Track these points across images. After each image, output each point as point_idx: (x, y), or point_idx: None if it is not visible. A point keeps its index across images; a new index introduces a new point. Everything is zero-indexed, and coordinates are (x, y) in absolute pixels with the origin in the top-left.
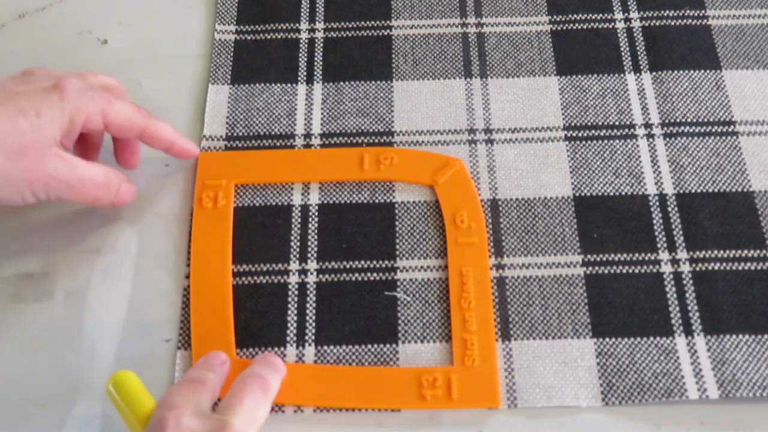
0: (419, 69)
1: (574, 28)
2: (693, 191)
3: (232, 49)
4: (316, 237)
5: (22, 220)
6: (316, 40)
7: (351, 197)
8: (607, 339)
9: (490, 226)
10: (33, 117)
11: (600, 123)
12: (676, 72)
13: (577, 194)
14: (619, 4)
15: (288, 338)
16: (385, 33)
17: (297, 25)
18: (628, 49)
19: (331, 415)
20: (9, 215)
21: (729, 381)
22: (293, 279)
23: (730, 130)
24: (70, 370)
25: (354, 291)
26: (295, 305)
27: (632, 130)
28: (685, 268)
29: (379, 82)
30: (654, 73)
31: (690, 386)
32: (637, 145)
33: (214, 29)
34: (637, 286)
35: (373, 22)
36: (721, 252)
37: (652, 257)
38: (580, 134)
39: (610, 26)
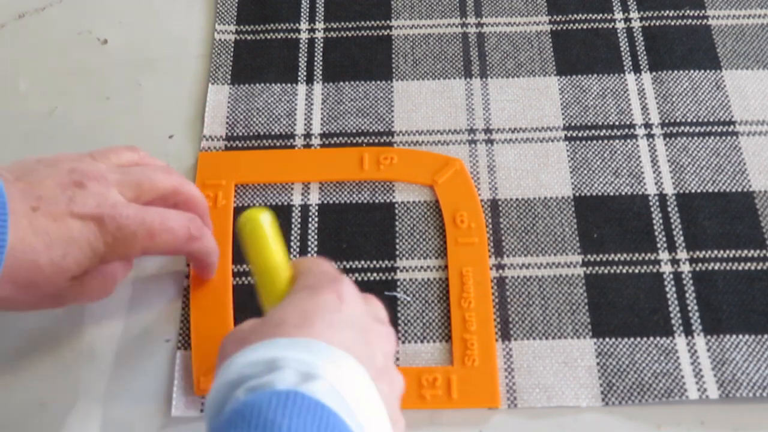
0: (419, 69)
1: (574, 28)
2: (693, 191)
3: (232, 49)
4: (316, 237)
5: None
6: (316, 40)
7: (351, 197)
8: (607, 339)
9: (490, 226)
10: (58, 257)
11: (600, 123)
12: (676, 72)
13: (577, 194)
14: (619, 4)
15: None
16: (385, 33)
17: (297, 25)
18: (628, 49)
19: None
20: None
21: (729, 381)
22: None
23: (730, 130)
24: (70, 370)
25: None
26: None
27: (632, 130)
28: (685, 268)
29: (379, 82)
30: (654, 73)
31: (690, 386)
32: (637, 145)
33: (214, 29)
34: (637, 286)
35: (373, 22)
36: (721, 252)
37: (652, 257)
38: (580, 134)
39: (610, 26)
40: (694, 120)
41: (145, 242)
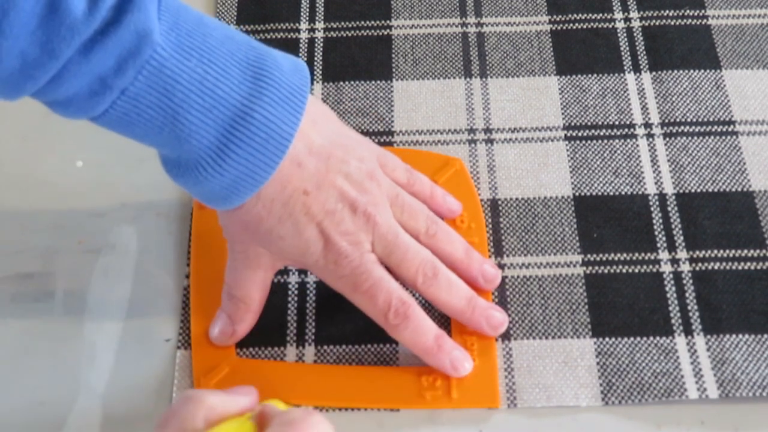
0: (419, 69)
1: (574, 27)
2: (693, 191)
3: None
4: None
5: (22, 220)
6: (316, 40)
7: None
8: (607, 339)
9: (490, 226)
10: (276, 236)
11: (600, 123)
12: (676, 72)
13: (577, 194)
14: (619, 3)
15: (288, 338)
16: (385, 33)
17: (297, 25)
18: (628, 48)
19: (331, 414)
20: (9, 215)
21: (729, 381)
22: (293, 279)
23: (730, 129)
24: (70, 370)
25: None
26: (295, 305)
27: (632, 129)
28: (685, 267)
29: (379, 82)
30: (654, 73)
31: (690, 386)
32: (637, 145)
33: None
34: (637, 286)
35: (373, 22)
36: (721, 252)
37: (652, 257)
38: (580, 134)
39: (610, 26)
40: (694, 120)
41: (344, 291)
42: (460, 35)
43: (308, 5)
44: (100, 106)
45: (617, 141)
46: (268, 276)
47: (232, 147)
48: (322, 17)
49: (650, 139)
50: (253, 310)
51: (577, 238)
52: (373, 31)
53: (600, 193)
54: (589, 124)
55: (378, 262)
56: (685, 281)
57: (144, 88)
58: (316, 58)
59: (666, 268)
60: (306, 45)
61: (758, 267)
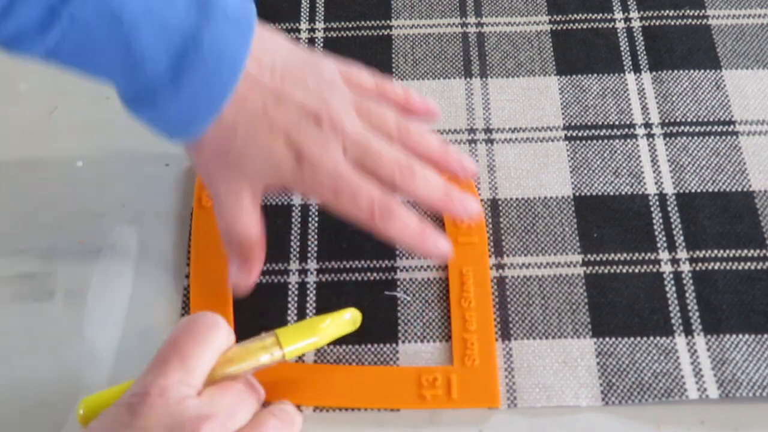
0: (419, 69)
1: (574, 27)
2: (693, 191)
3: None
4: (316, 237)
5: (22, 220)
6: (316, 40)
7: None
8: (607, 339)
9: (490, 226)
10: (248, 155)
11: (600, 123)
12: (676, 72)
13: (577, 194)
14: (619, 3)
15: None
16: (385, 33)
17: (297, 24)
18: (628, 48)
19: (331, 414)
20: (9, 215)
21: (729, 381)
22: (293, 279)
23: (730, 129)
24: (70, 370)
25: (354, 291)
26: (295, 305)
27: (632, 129)
28: (685, 267)
29: None
30: (654, 73)
31: (690, 386)
32: (637, 145)
33: None
34: (637, 286)
35: (373, 22)
36: (721, 252)
37: (652, 257)
38: (580, 134)
39: (610, 26)
40: (694, 120)
41: (326, 200)
42: (460, 35)
43: (308, 5)
44: (50, 37)
45: (617, 141)
46: (256, 204)
47: (186, 70)
48: (323, 17)
49: (650, 139)
50: (256, 243)
51: (577, 238)
52: (373, 31)
53: (600, 193)
54: (589, 124)
55: (353, 167)
56: (685, 281)
57: (92, 14)
58: None
59: (666, 268)
60: (306, 45)
61: (758, 267)
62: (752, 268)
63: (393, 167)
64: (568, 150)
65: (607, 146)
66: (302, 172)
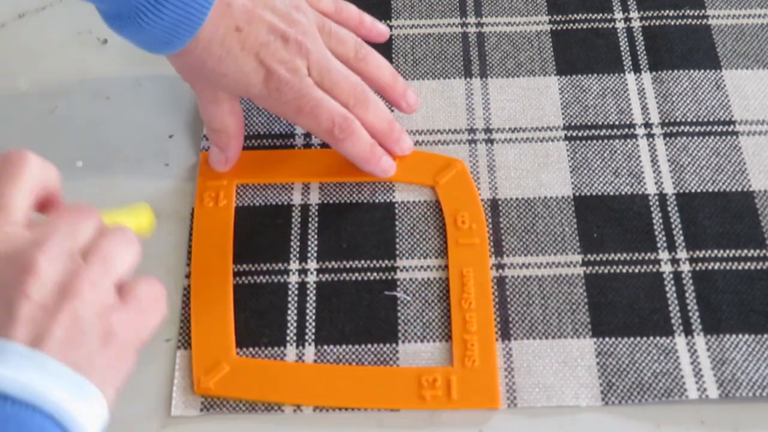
0: (419, 69)
1: (574, 27)
2: (693, 191)
3: None
4: (316, 237)
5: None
6: None
7: (351, 197)
8: (607, 339)
9: (490, 226)
10: (220, 74)
11: (600, 123)
12: (676, 72)
13: (577, 194)
14: (619, 3)
15: (288, 338)
16: None
17: None
18: (628, 48)
19: (331, 414)
20: None
21: (729, 381)
22: (293, 278)
23: (730, 129)
24: None
25: (354, 291)
26: (295, 305)
27: (632, 129)
28: (685, 267)
29: None
30: (654, 73)
31: (690, 386)
32: (637, 145)
33: None
34: (637, 286)
35: None
36: (721, 252)
37: (652, 257)
38: (580, 134)
39: (610, 26)
40: (694, 120)
41: (289, 115)
42: (460, 35)
43: None
44: None
45: (617, 141)
46: (234, 104)
47: None
48: None
49: (650, 139)
50: (233, 135)
51: (577, 238)
52: None
53: (600, 193)
54: (589, 124)
55: (316, 85)
56: (685, 281)
57: None
58: None
59: (666, 268)
60: None
61: (758, 267)
62: (752, 268)
63: (349, 92)
64: (568, 150)
65: (607, 146)
66: (268, 88)
